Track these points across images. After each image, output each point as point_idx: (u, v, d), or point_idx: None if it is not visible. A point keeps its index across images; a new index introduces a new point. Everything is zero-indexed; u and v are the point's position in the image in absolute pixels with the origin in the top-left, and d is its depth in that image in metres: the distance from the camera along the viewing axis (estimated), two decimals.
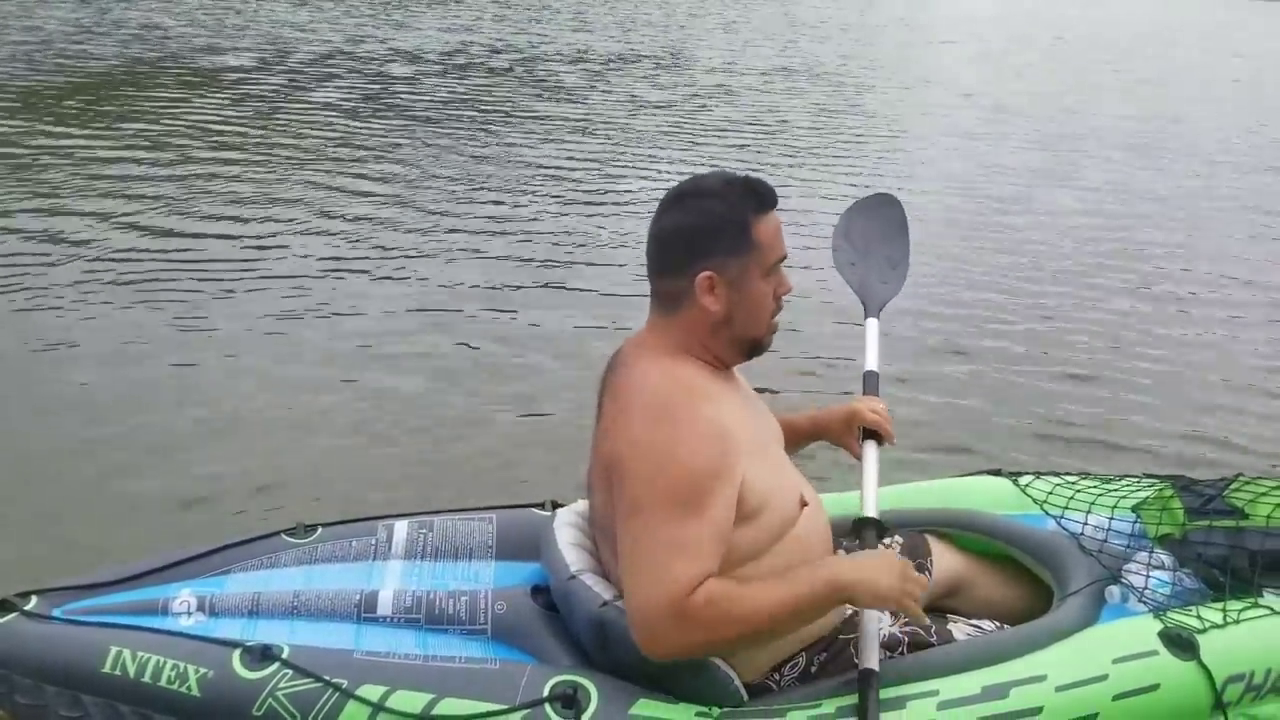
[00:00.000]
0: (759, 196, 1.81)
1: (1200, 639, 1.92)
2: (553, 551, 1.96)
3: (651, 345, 1.84)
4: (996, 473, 2.56)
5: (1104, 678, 1.85)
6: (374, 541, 2.14)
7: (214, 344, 4.60)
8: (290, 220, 6.54)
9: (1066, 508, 2.37)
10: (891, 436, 2.19)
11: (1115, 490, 2.43)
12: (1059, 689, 1.83)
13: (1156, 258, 6.86)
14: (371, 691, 1.73)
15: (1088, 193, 8.66)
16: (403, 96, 11.29)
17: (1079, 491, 2.42)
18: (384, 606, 1.98)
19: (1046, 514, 2.37)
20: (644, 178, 8.16)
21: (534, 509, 2.27)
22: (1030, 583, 2.29)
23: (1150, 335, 5.40)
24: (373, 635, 1.92)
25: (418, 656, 1.84)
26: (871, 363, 2.37)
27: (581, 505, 2.08)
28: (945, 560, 2.30)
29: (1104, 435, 4.18)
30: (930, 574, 2.25)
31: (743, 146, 9.65)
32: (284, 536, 2.13)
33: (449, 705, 1.73)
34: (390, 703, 1.72)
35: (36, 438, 3.70)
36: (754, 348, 1.89)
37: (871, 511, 2.06)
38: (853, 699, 1.78)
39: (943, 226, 7.28)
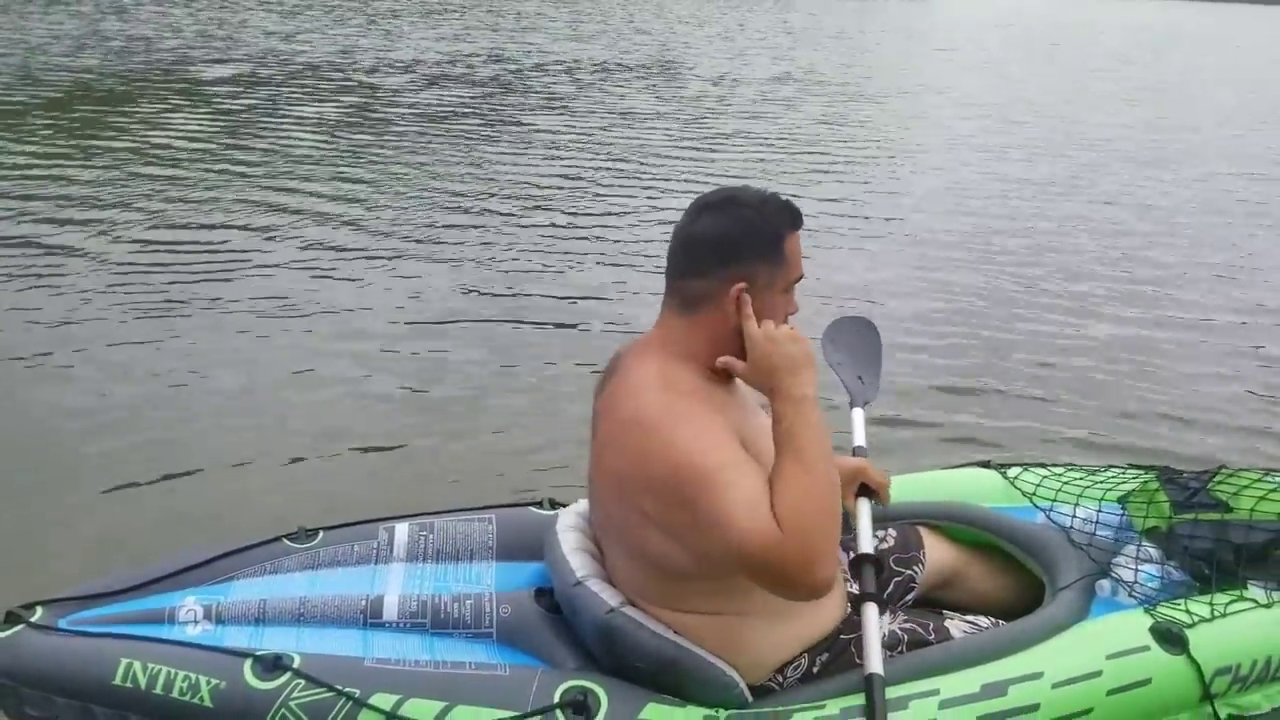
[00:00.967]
0: (792, 214, 1.84)
1: (1189, 633, 1.99)
2: (557, 557, 1.97)
3: (658, 347, 1.83)
4: (985, 465, 2.62)
5: (1098, 674, 1.91)
6: (375, 545, 2.15)
7: (208, 351, 4.56)
8: (283, 227, 6.49)
9: (1055, 500, 2.43)
10: (887, 500, 2.20)
11: (1101, 482, 2.48)
12: (1055, 686, 1.88)
13: (1137, 253, 6.96)
14: (384, 700, 1.74)
15: (1080, 192, 8.77)
16: (393, 106, 11.24)
17: (1066, 483, 2.48)
18: (390, 611, 1.99)
19: (1035, 506, 2.43)
20: (643, 185, 8.21)
21: (532, 508, 2.29)
22: (1020, 573, 2.35)
23: (1133, 328, 5.47)
24: (380, 641, 1.93)
25: (427, 663, 1.85)
26: (859, 440, 2.42)
27: (582, 505, 2.10)
28: (937, 552, 2.34)
29: (1089, 427, 4.25)
30: (923, 566, 2.30)
31: (744, 159, 9.56)
32: (285, 542, 2.13)
33: (461, 713, 1.74)
34: (404, 711, 1.74)
35: (33, 449, 3.65)
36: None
37: (867, 548, 2.08)
38: (856, 699, 1.82)
39: (938, 226, 7.39)
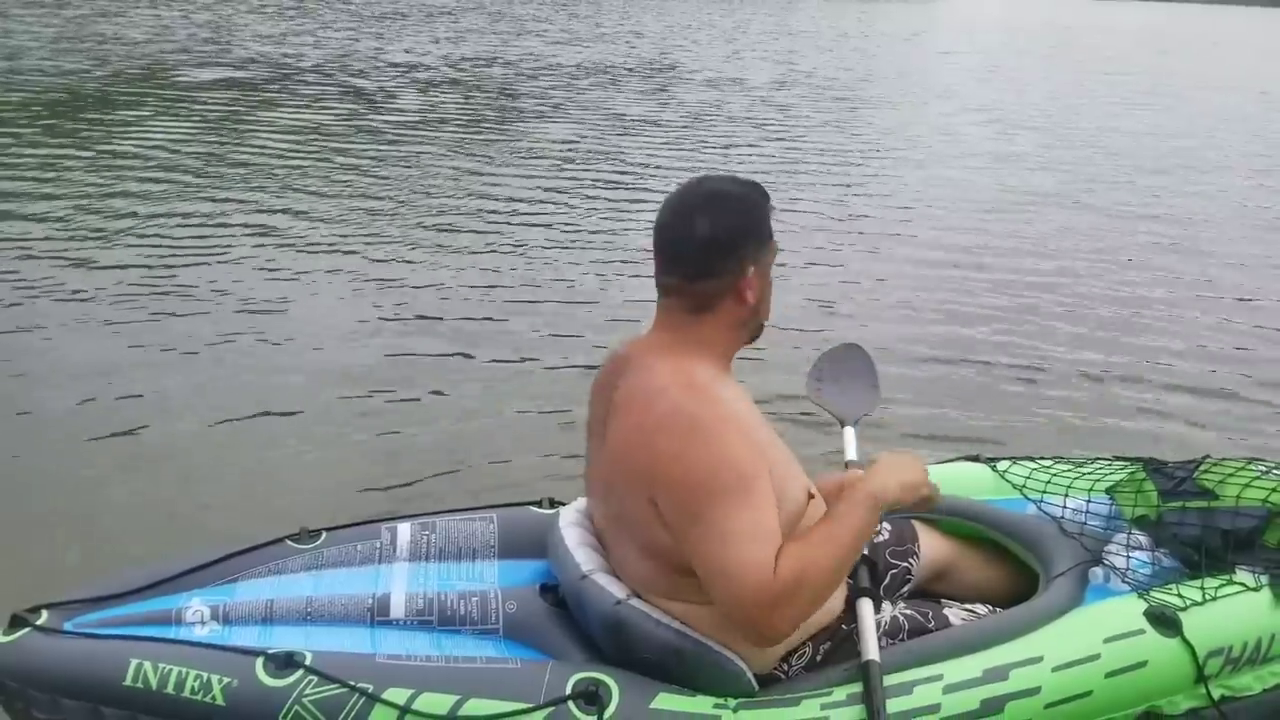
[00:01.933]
0: (763, 192, 1.90)
1: (1182, 616, 2.03)
2: (562, 552, 1.99)
3: (665, 346, 1.85)
4: (975, 459, 2.66)
5: (1096, 657, 1.95)
6: (379, 545, 2.15)
7: (205, 353, 4.57)
8: (281, 229, 6.50)
9: (1045, 491, 2.47)
10: None
11: (1089, 474, 2.53)
12: (1055, 669, 1.92)
13: (1120, 251, 7.10)
14: (398, 695, 1.75)
15: (1067, 193, 8.93)
16: (388, 108, 11.26)
17: (1055, 475, 2.52)
18: (396, 609, 2.00)
19: (1026, 498, 2.47)
20: (643, 186, 8.28)
21: (532, 507, 2.31)
22: (1013, 565, 2.39)
23: (1114, 330, 5.57)
24: (389, 639, 1.94)
25: (438, 658, 1.86)
26: (851, 455, 2.47)
27: (581, 503, 2.12)
28: (932, 546, 2.38)
29: (1077, 420, 4.33)
30: (918, 558, 2.33)
31: (744, 164, 9.60)
32: (289, 542, 2.13)
33: (475, 706, 1.75)
34: (417, 705, 1.74)
35: (30, 453, 3.65)
36: (759, 331, 1.94)
37: (865, 550, 2.11)
38: (861, 685, 1.85)
39: (932, 225, 7.52)
